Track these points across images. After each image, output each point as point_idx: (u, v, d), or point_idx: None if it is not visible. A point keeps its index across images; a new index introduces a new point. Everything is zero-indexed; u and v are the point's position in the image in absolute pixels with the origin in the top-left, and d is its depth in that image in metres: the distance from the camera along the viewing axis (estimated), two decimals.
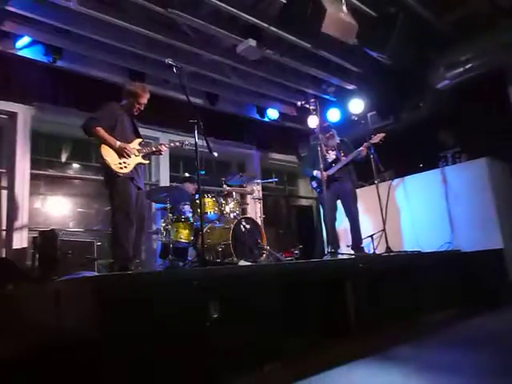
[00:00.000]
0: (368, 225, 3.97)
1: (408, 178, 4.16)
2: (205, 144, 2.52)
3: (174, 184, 4.53)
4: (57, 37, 3.59)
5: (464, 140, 4.14)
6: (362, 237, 3.64)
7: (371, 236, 3.72)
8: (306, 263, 2.57)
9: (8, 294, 2.17)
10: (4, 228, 3.73)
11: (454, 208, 3.77)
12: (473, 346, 1.96)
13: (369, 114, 4.99)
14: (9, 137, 3.94)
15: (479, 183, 3.63)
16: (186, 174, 4.45)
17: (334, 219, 3.72)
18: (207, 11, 3.49)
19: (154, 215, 4.60)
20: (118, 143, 2.69)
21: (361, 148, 3.58)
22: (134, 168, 2.75)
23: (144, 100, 2.88)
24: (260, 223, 3.98)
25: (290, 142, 6.03)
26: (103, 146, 2.66)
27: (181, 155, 5.20)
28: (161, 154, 3.07)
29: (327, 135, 3.77)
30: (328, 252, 3.41)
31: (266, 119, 5.54)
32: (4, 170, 3.94)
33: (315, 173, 3.69)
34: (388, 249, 3.31)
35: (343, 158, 3.69)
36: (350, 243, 3.65)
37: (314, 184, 3.82)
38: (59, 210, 4.55)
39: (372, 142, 3.54)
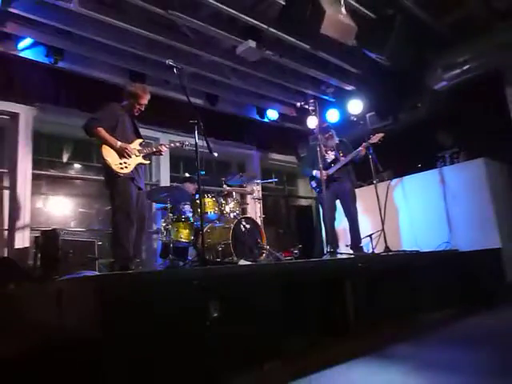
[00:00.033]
0: (367, 224, 3.99)
1: (406, 178, 4.18)
2: (205, 144, 2.54)
3: (175, 184, 4.55)
4: (58, 38, 3.61)
5: (462, 140, 4.16)
6: (361, 236, 3.66)
7: (370, 236, 3.75)
8: (305, 263, 2.57)
9: (10, 294, 2.18)
10: (6, 228, 3.75)
11: (452, 208, 3.79)
12: (471, 345, 1.96)
13: (368, 115, 5.01)
14: (11, 137, 3.97)
15: (477, 183, 3.65)
16: (187, 174, 4.47)
17: (334, 219, 3.73)
18: (207, 13, 3.51)
19: (155, 215, 4.62)
20: (119, 143, 2.71)
21: (360, 148, 3.59)
22: (135, 168, 2.77)
23: (144, 101, 2.90)
24: (260, 223, 4.00)
25: (289, 143, 6.05)
26: (104, 146, 2.68)
27: (181, 155, 5.22)
28: (161, 154, 3.08)
29: (326, 135, 3.79)
30: (327, 252, 3.41)
31: (265, 120, 5.56)
32: (6, 170, 3.96)
33: (315, 173, 3.70)
34: (387, 248, 3.32)
35: (342, 158, 3.71)
36: (349, 243, 3.66)
37: (314, 184, 3.83)
38: (61, 209, 4.58)
39: (371, 142, 3.55)
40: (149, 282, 1.53)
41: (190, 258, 3.75)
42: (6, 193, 3.88)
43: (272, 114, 5.53)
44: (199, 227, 3.22)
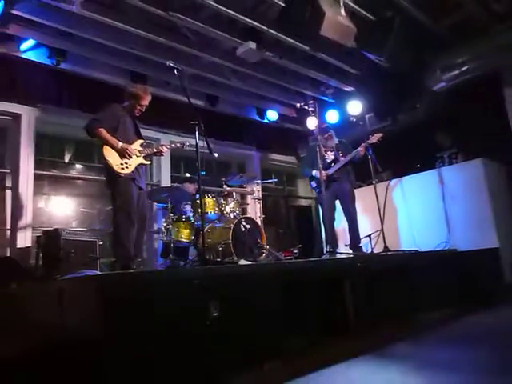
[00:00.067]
0: (366, 224, 4.01)
1: (405, 179, 4.20)
2: (205, 145, 2.55)
3: (175, 184, 4.57)
4: (60, 40, 3.64)
5: (460, 141, 4.18)
6: (360, 236, 3.67)
7: (369, 236, 3.76)
8: (305, 262, 2.58)
9: (12, 293, 2.19)
10: (8, 227, 3.77)
11: (451, 208, 3.81)
12: (469, 344, 1.97)
13: (367, 116, 5.02)
14: (13, 138, 3.99)
15: (475, 183, 3.67)
16: (187, 175, 4.49)
17: (333, 219, 3.75)
18: (207, 14, 3.53)
19: (156, 215, 4.64)
20: (120, 144, 2.73)
21: (359, 148, 3.60)
22: (136, 168, 2.79)
23: (145, 102, 2.92)
24: (260, 223, 4.01)
25: (289, 143, 6.07)
26: (105, 146, 2.70)
27: (182, 156, 5.24)
28: (162, 154, 3.10)
29: (326, 136, 3.80)
30: (327, 251, 3.42)
31: (265, 120, 5.58)
32: (8, 171, 3.98)
33: (314, 173, 3.71)
34: (386, 248, 3.33)
35: (342, 158, 3.73)
36: (349, 243, 3.68)
37: (314, 184, 3.84)
38: (62, 209, 4.59)
39: (370, 142, 3.57)
40: (149, 281, 1.54)
41: (190, 257, 3.77)
42: (9, 193, 3.90)
43: (272, 115, 5.56)
44: (200, 227, 3.24)
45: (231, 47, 4.03)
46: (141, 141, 2.93)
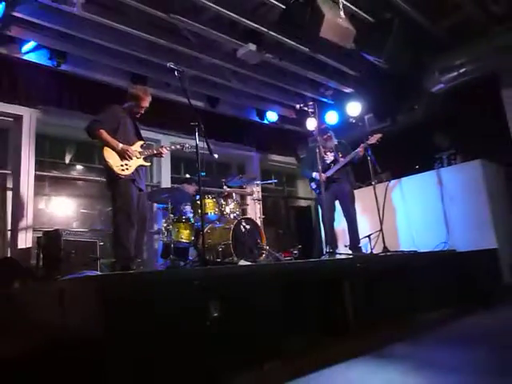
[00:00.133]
0: (365, 225, 4.02)
1: (404, 180, 4.21)
2: (205, 146, 2.55)
3: (175, 185, 4.58)
4: (61, 41, 3.65)
5: (459, 142, 4.19)
6: (360, 237, 3.68)
7: (368, 236, 3.77)
8: (304, 263, 2.59)
9: (12, 293, 2.20)
10: (9, 228, 3.78)
11: (450, 208, 3.82)
12: (468, 344, 1.97)
13: (366, 117, 5.04)
14: (14, 139, 4.00)
15: (474, 184, 3.69)
16: (187, 176, 4.51)
17: (333, 220, 3.76)
18: (208, 16, 3.55)
19: (156, 216, 4.65)
20: (120, 145, 2.74)
21: (358, 149, 3.62)
22: (136, 170, 2.80)
23: (146, 103, 2.93)
24: (259, 224, 4.02)
25: (288, 144, 6.09)
26: (106, 148, 2.71)
27: (182, 157, 5.25)
28: (162, 156, 3.12)
29: (325, 137, 3.82)
30: (326, 252, 3.45)
31: (265, 122, 5.60)
32: (9, 172, 3.99)
33: (314, 175, 3.72)
34: (385, 249, 3.35)
35: (341, 159, 3.75)
36: (348, 243, 3.70)
37: (314, 185, 3.85)
38: (63, 210, 4.60)
39: (369, 142, 3.58)
40: (150, 281, 1.54)
41: (190, 258, 3.78)
42: (10, 194, 3.91)
43: (272, 116, 5.57)
44: (200, 228, 3.25)
45: (232, 49, 4.05)
46: (141, 142, 2.94)
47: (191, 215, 3.79)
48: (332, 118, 5.32)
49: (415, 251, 3.39)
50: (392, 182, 4.25)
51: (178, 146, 3.18)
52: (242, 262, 3.04)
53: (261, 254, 3.68)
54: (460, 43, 4.10)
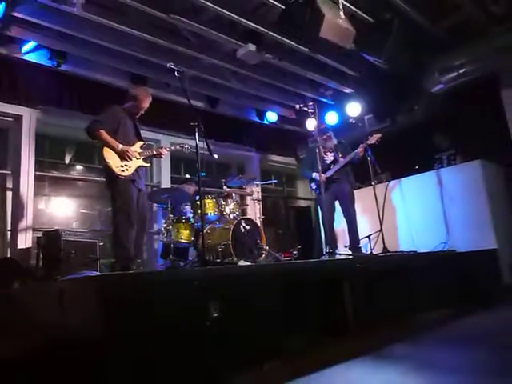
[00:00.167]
0: (365, 225, 4.02)
1: (404, 180, 4.22)
2: (205, 146, 2.56)
3: (175, 185, 4.59)
4: (61, 41, 3.66)
5: (459, 142, 4.19)
6: (360, 237, 3.69)
7: (368, 236, 3.77)
8: (304, 263, 2.60)
9: (12, 293, 2.20)
10: (9, 228, 3.78)
11: (449, 209, 3.82)
12: (468, 345, 1.97)
13: (366, 117, 5.05)
14: (14, 139, 4.01)
15: (473, 185, 3.69)
16: (187, 176, 4.51)
17: (333, 220, 3.77)
18: (208, 17, 3.56)
19: (156, 216, 4.65)
20: (120, 146, 2.74)
21: (358, 149, 3.63)
22: (136, 170, 2.81)
23: (146, 104, 2.94)
24: (259, 224, 4.01)
25: (288, 144, 6.09)
26: (105, 148, 2.71)
27: (182, 157, 5.25)
28: (161, 157, 3.12)
29: (324, 137, 3.82)
30: (326, 252, 3.45)
31: (265, 122, 5.60)
32: (9, 172, 3.99)
33: (314, 175, 3.72)
34: (385, 249, 3.35)
35: (341, 159, 3.75)
36: (348, 243, 3.70)
37: (314, 186, 3.85)
38: (63, 210, 4.61)
39: (368, 142, 3.59)
40: (150, 282, 1.54)
41: (190, 258, 3.77)
42: (9, 194, 3.91)
43: (271, 117, 5.58)
44: (199, 228, 3.25)
45: (231, 49, 4.06)
46: (141, 143, 2.95)
47: (191, 215, 3.79)
48: (332, 118, 5.32)
49: (415, 251, 3.40)
50: (392, 182, 4.25)
51: (178, 147, 3.19)
52: (242, 263, 3.04)
53: (260, 255, 3.68)
54: (460, 43, 4.10)
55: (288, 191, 6.68)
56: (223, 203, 3.79)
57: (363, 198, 3.96)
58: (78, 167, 4.85)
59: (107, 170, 2.73)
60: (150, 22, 3.57)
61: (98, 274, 2.79)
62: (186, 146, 3.15)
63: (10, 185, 3.96)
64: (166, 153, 3.07)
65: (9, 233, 3.78)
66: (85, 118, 3.32)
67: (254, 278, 1.85)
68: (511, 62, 3.97)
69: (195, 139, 2.49)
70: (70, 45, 3.71)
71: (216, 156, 2.73)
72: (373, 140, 3.60)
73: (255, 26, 3.61)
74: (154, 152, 3.01)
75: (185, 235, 3.63)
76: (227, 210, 3.76)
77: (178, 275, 1.80)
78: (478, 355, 1.78)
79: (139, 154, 2.87)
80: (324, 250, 4.23)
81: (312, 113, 3.37)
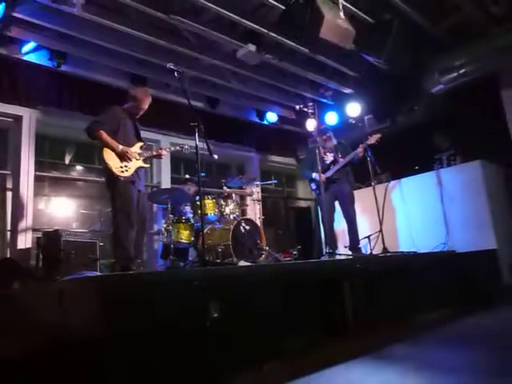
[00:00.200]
0: (365, 226, 4.02)
1: (404, 180, 4.22)
2: (205, 146, 2.56)
3: (175, 186, 4.59)
4: (61, 42, 3.66)
5: (459, 143, 4.20)
6: (360, 238, 3.69)
7: (368, 237, 3.78)
8: (304, 263, 2.60)
9: (12, 294, 2.20)
10: (9, 228, 3.79)
11: (449, 209, 3.83)
12: (468, 345, 1.97)
13: (366, 117, 5.06)
14: (14, 139, 4.01)
15: (473, 185, 3.69)
16: (187, 176, 4.51)
17: (333, 220, 3.77)
18: (208, 17, 3.56)
19: (156, 216, 4.65)
20: (120, 147, 2.74)
21: (358, 149, 3.63)
22: (135, 171, 2.81)
23: (145, 105, 2.94)
24: (259, 224, 4.02)
25: (288, 145, 6.09)
26: (105, 149, 2.72)
27: (182, 157, 5.26)
28: (161, 158, 3.13)
29: (324, 137, 3.82)
30: (326, 252, 3.45)
31: (265, 122, 5.61)
32: (9, 172, 4.00)
33: (314, 175, 3.72)
34: (384, 249, 3.35)
35: (341, 159, 3.75)
36: (348, 244, 3.70)
37: (314, 186, 3.85)
38: (63, 210, 4.61)
39: (368, 142, 3.59)
40: (150, 282, 1.54)
41: (190, 258, 3.78)
42: (9, 194, 3.92)
43: (271, 117, 5.58)
44: (199, 228, 3.26)
45: (231, 50, 4.06)
46: (141, 143, 2.95)
47: (191, 216, 3.79)
48: (332, 118, 5.33)
49: (415, 252, 3.40)
50: (392, 182, 4.25)
51: (178, 147, 3.19)
52: (242, 263, 3.04)
53: (260, 255, 3.69)
54: (460, 44, 4.11)
55: (288, 191, 6.68)
56: (223, 203, 3.79)
57: (363, 199, 3.96)
58: (78, 167, 4.85)
59: (107, 171, 2.73)
60: (149, 23, 3.57)
61: (98, 274, 2.79)
62: (186, 147, 3.15)
63: (9, 185, 3.96)
64: (165, 154, 3.07)
65: (9, 233, 3.79)
66: (85, 118, 3.32)
67: (254, 279, 1.86)
68: (511, 63, 3.98)
69: (195, 140, 2.49)
70: (70, 45, 3.72)
71: (216, 156, 2.73)
72: (372, 140, 3.61)
73: (255, 26, 3.61)
74: (154, 153, 3.01)
75: (185, 235, 3.64)
76: (227, 210, 3.77)
77: (178, 275, 1.80)
78: (478, 355, 1.78)
79: (139, 154, 2.87)
80: (324, 250, 4.23)
81: (312, 113, 3.37)
